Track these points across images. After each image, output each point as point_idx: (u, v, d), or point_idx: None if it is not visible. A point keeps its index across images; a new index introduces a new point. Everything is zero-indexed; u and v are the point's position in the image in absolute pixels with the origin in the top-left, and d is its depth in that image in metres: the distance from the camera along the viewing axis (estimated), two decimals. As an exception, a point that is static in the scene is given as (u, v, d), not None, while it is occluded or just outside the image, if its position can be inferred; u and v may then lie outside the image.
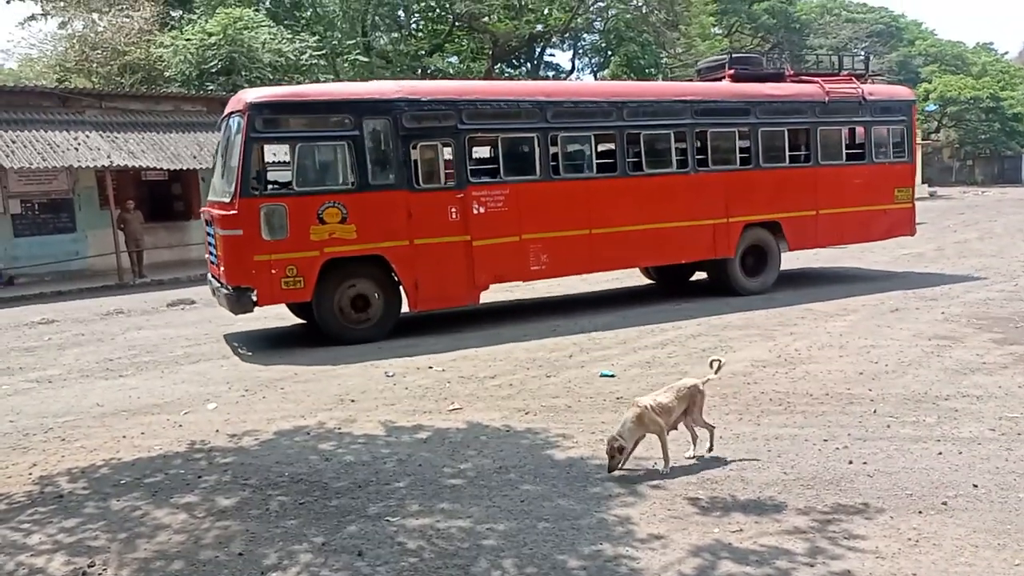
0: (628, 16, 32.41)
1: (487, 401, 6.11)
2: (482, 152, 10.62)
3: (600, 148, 10.42)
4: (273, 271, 8.33)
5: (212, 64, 20.57)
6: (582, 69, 39.73)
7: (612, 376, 6.66)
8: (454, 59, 35.16)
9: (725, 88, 11.28)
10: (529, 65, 36.30)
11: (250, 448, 5.21)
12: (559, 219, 9.66)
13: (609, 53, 35.00)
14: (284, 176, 9.02)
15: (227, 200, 8.44)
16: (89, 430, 5.79)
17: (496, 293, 11.51)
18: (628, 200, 10.10)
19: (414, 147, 8.89)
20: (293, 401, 6.38)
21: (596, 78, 38.08)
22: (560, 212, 9.69)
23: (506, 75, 34.23)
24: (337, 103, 8.94)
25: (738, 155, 10.84)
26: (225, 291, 8.48)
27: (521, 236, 9.46)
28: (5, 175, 16.12)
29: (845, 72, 12.01)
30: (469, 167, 9.26)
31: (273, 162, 9.73)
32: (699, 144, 10.58)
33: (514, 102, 9.86)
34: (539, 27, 32.98)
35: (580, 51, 39.13)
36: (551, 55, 39.12)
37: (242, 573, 3.45)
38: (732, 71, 11.57)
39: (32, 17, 25.19)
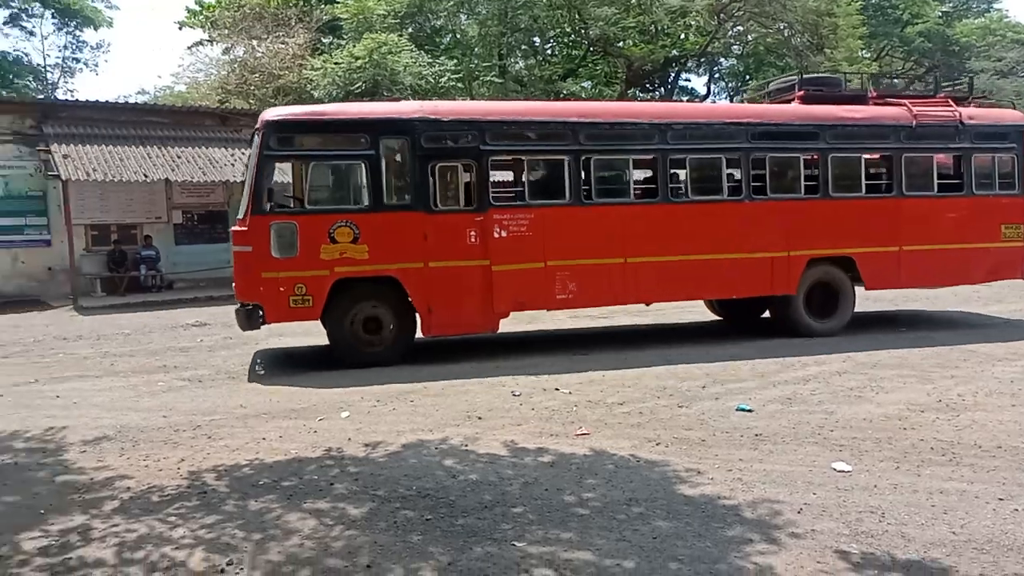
0: (769, 40, 31.36)
1: (615, 428, 5.91)
2: (506, 174, 10.06)
3: (639, 173, 9.84)
4: (281, 289, 8.29)
5: (357, 86, 21.57)
6: (718, 94, 38.84)
7: (750, 411, 6.29)
8: (587, 84, 35.25)
9: (789, 110, 10.40)
10: (663, 90, 35.81)
11: (379, 459, 5.27)
12: (590, 246, 9.16)
13: (747, 78, 33.95)
14: (298, 194, 9.04)
15: (240, 216, 8.63)
16: (233, 430, 6.06)
17: (610, 318, 11.30)
18: (670, 228, 9.45)
19: (433, 168, 8.67)
20: (422, 414, 6.43)
21: (732, 102, 37.09)
22: (591, 239, 9.16)
23: (639, 98, 33.92)
24: (355, 122, 8.83)
25: (803, 183, 9.94)
26: (236, 307, 8.58)
27: (547, 263, 9.02)
28: (171, 188, 17.55)
29: (941, 95, 10.88)
30: (491, 190, 8.93)
31: (287, 180, 9.66)
32: (756, 171, 9.73)
33: (543, 123, 9.40)
34: (674, 52, 32.52)
35: (716, 75, 38.26)
36: (686, 80, 38.47)
37: (368, 585, 3.43)
38: (802, 92, 10.58)
39: (199, 43, 27.48)
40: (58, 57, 39.38)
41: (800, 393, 6.87)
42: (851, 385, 7.09)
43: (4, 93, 30.97)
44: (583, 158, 9.11)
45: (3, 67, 35.10)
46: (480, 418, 6.26)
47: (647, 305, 10.56)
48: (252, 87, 25.36)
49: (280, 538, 3.95)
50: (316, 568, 3.60)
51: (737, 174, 9.71)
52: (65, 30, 37.95)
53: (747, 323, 10.82)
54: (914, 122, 10.09)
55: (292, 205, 8.92)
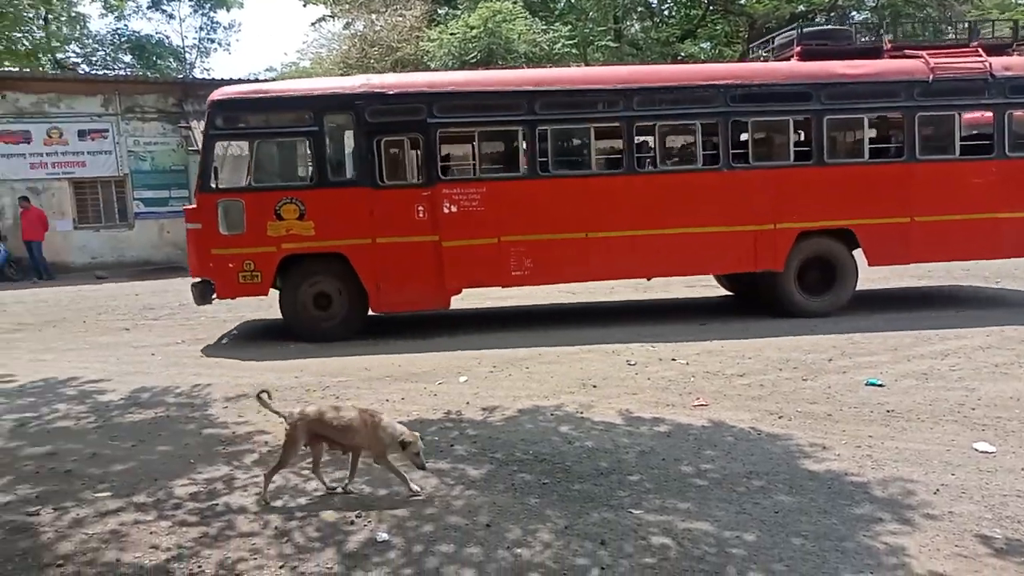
0: (908, -13, 29.13)
1: (735, 400, 5.77)
2: (456, 147, 9.64)
3: (601, 142, 9.26)
4: (230, 265, 8.45)
5: (472, 56, 21.73)
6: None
7: (881, 386, 5.98)
8: (706, 44, 33.97)
9: (776, 69, 9.47)
10: (788, 47, 34.04)
11: (496, 423, 5.38)
12: (547, 221, 8.76)
13: (881, 32, 31.67)
14: (244, 172, 8.85)
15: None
16: (358, 391, 6.36)
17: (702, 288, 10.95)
18: (636, 201, 8.86)
19: (378, 143, 8.53)
20: (537, 381, 6.51)
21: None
22: (548, 213, 8.75)
23: (761, 58, 32.41)
24: (298, 99, 8.78)
25: (792, 149, 9.10)
26: (192, 282, 8.78)
27: (500, 238, 8.71)
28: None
29: (975, 44, 9.51)
30: (440, 163, 8.71)
31: (234, 157, 9.45)
32: (737, 137, 9.05)
33: (494, 93, 8.88)
34: (801, 7, 30.74)
35: (848, 30, 35.89)
36: (814, 36, 36.33)
37: (488, 543, 3.53)
38: (799, 48, 9.60)
39: (322, 19, 28.45)
40: (195, 38, 41.91)
41: (938, 368, 6.46)
42: (997, 361, 6.60)
43: (149, 74, 33.30)
44: (538, 128, 8.70)
45: (147, 49, 37.68)
46: (595, 386, 6.27)
47: (648, 280, 10.14)
48: (371, 60, 26.02)
49: (404, 496, 4.12)
50: (439, 525, 3.74)
51: (715, 141, 8.97)
52: (200, 12, 40.35)
53: (757, 299, 9.96)
54: (930, 76, 8.91)
55: (216, 181, 8.76)
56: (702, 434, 5.01)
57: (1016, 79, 9.08)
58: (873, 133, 9.54)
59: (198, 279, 8.74)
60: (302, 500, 4.10)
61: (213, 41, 42.08)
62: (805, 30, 10.07)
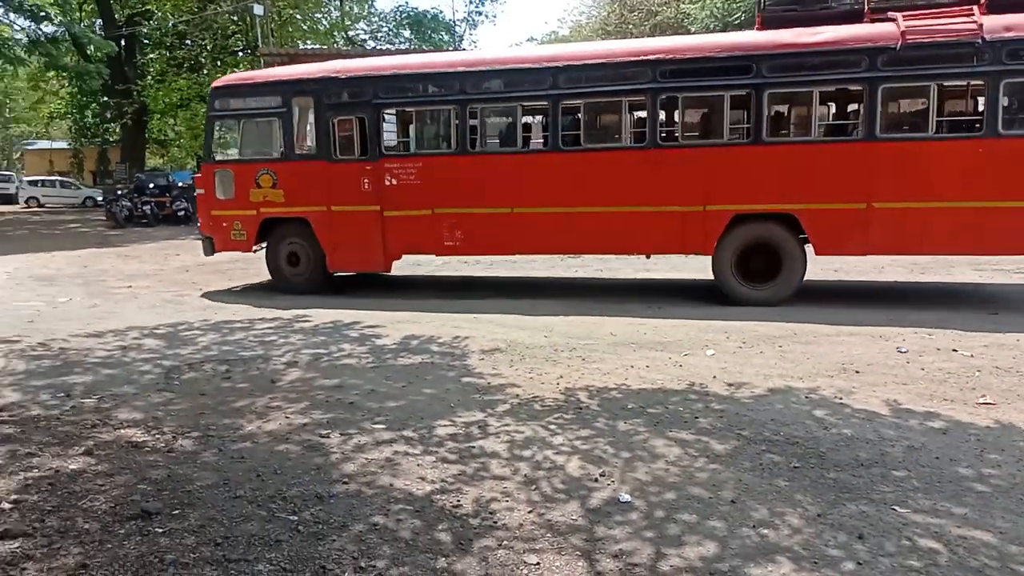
0: None
1: (1030, 402, 5.03)
2: (396, 125, 10.34)
3: (528, 120, 9.61)
4: (224, 224, 10.18)
5: (736, 17, 20.74)
6: None
7: None
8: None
9: (708, 41, 9.05)
10: None
11: (744, 400, 5.21)
12: (475, 195, 9.25)
13: None
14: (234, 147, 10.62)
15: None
16: (604, 355, 6.48)
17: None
18: (561, 179, 8.94)
19: (333, 121, 9.61)
20: (791, 361, 6.17)
21: None
22: (477, 188, 9.23)
23: None
24: (272, 84, 10.10)
25: (727, 127, 8.46)
26: (201, 237, 10.56)
27: (434, 210, 9.39)
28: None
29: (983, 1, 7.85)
30: (383, 140, 9.57)
31: (228, 133, 11.11)
32: (666, 114, 8.87)
33: (429, 75, 9.53)
34: None
35: None
36: None
37: (732, 519, 3.46)
38: (760, 16, 8.83)
39: (585, -13, 28.70)
40: (465, 11, 44.40)
41: None
42: None
43: (424, 47, 36.00)
44: (469, 108, 9.15)
45: (424, 24, 40.72)
46: (857, 372, 5.80)
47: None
48: (630, 26, 25.91)
49: (647, 460, 4.16)
50: (681, 494, 3.73)
51: (642, 118, 8.76)
52: (472, -15, 42.63)
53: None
54: (899, 42, 7.71)
55: (213, 154, 10.49)
56: (986, 436, 4.45)
57: (1014, 41, 7.55)
58: (830, 108, 8.89)
59: (202, 235, 10.57)
60: (549, 452, 4.30)
61: (480, 14, 44.41)
62: None
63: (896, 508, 3.53)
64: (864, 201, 8.08)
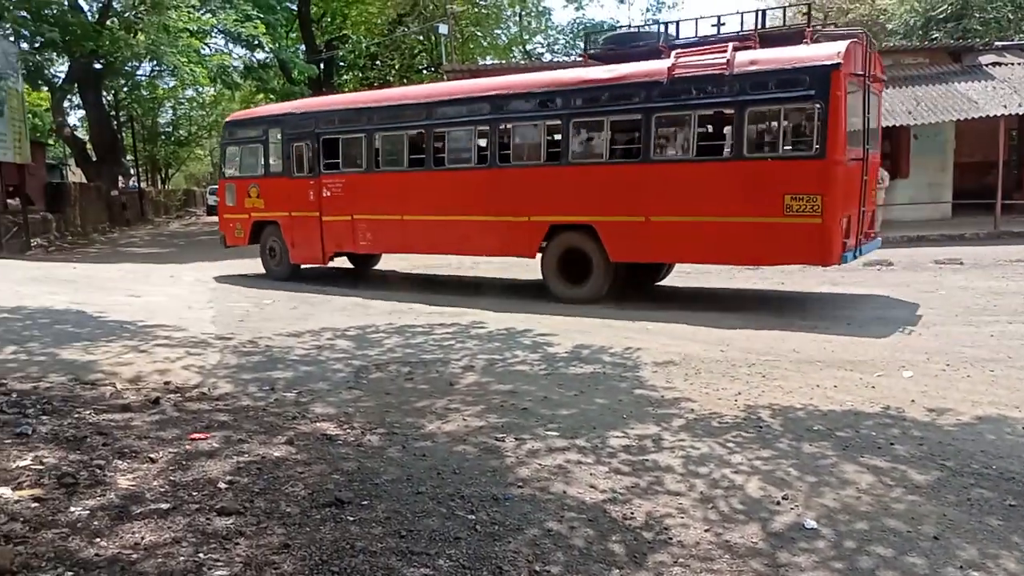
0: None
1: None
2: (331, 150, 12.22)
3: (411, 145, 11.32)
4: (231, 225, 13.71)
5: (941, 10, 19.03)
6: None
7: None
8: None
9: (528, 79, 10.75)
10: None
11: (947, 427, 4.75)
12: (378, 205, 11.65)
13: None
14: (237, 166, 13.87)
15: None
16: (786, 372, 6.16)
17: None
18: (432, 192, 11.09)
19: (292, 146, 12.47)
20: (1004, 387, 5.55)
21: None
22: (379, 199, 11.64)
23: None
24: (257, 119, 13.65)
25: (544, 150, 10.07)
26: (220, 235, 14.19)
27: (352, 216, 11.89)
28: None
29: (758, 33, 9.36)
30: (322, 161, 12.10)
31: (235, 156, 14.02)
32: (502, 140, 10.42)
33: (345, 110, 12.25)
34: None
35: None
36: None
37: (934, 556, 3.16)
38: (585, 55, 11.31)
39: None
40: (642, 20, 44.05)
41: None
42: None
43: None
44: (373, 135, 11.65)
45: (600, 34, 40.84)
46: (1089, 402, 5.11)
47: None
48: (817, 25, 24.51)
49: (835, 485, 3.90)
50: (874, 525, 3.46)
51: (484, 144, 10.60)
52: (649, -6, 42.20)
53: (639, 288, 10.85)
54: (665, 77, 8.93)
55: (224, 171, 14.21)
56: None
57: (756, 73, 8.48)
58: (622, 136, 9.79)
59: (221, 233, 14.06)
60: (727, 471, 4.15)
61: (656, 22, 43.82)
62: (605, 36, 11.73)
63: None
64: (643, 215, 9.34)
